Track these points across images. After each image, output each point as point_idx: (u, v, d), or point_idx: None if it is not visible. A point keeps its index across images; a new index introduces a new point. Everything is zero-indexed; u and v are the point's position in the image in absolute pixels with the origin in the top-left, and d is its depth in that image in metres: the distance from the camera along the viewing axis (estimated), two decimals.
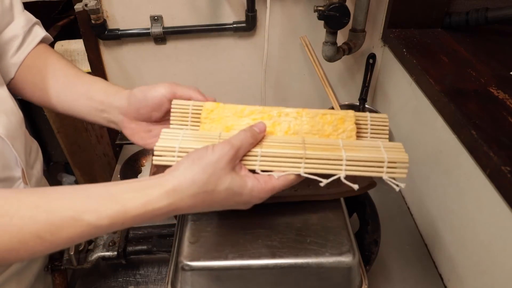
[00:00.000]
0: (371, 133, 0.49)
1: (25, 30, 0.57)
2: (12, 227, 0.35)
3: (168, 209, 0.39)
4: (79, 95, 0.56)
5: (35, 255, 0.37)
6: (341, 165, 0.43)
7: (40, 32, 0.61)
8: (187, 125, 0.50)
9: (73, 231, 0.37)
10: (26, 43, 0.58)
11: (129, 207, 0.38)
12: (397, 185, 0.42)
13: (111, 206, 0.38)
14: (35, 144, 0.63)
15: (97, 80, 0.58)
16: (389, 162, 0.43)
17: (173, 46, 0.91)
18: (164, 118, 0.54)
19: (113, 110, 0.54)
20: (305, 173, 0.43)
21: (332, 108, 0.87)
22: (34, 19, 0.61)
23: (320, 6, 0.77)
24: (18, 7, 0.58)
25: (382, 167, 0.42)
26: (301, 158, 0.43)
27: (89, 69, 0.95)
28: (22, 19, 0.58)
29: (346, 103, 0.93)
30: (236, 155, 0.42)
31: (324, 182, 0.42)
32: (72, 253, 0.56)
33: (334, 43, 0.83)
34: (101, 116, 0.56)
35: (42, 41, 0.62)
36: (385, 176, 0.43)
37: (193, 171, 0.40)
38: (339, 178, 0.43)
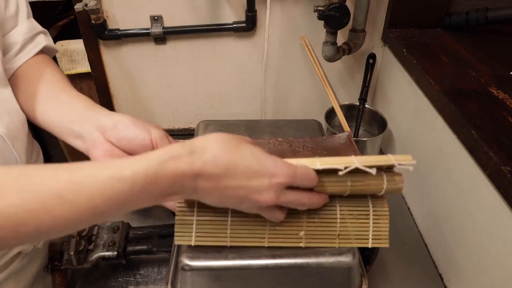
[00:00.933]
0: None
1: (25, 38, 0.57)
2: (32, 186, 0.34)
3: (190, 159, 0.38)
4: (57, 104, 0.54)
5: (55, 220, 0.34)
6: (353, 161, 0.43)
7: (42, 41, 0.60)
8: None
9: (94, 187, 0.35)
10: (25, 50, 0.57)
11: (151, 155, 0.37)
12: (410, 165, 0.44)
13: (132, 160, 0.37)
14: (36, 145, 0.63)
15: (84, 97, 0.55)
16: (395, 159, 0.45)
17: (173, 46, 0.91)
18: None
19: (88, 124, 0.51)
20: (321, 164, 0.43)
21: (332, 108, 0.87)
22: (40, 28, 0.60)
23: (320, 6, 0.77)
24: (23, 14, 0.58)
25: (391, 160, 0.44)
26: (315, 159, 0.44)
27: (89, 69, 0.95)
28: (25, 26, 0.57)
29: (346, 103, 0.93)
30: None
31: (343, 171, 0.42)
32: (72, 253, 0.56)
33: (334, 43, 0.83)
34: (70, 128, 0.52)
35: (45, 51, 0.61)
36: (396, 163, 0.44)
37: (214, 134, 0.41)
38: None
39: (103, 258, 0.59)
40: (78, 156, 0.53)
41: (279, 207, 0.44)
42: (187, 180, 0.38)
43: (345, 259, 0.47)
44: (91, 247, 0.59)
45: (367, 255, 0.59)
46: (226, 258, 0.47)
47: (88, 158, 0.51)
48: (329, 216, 0.48)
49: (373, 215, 0.48)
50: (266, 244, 0.48)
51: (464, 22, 0.82)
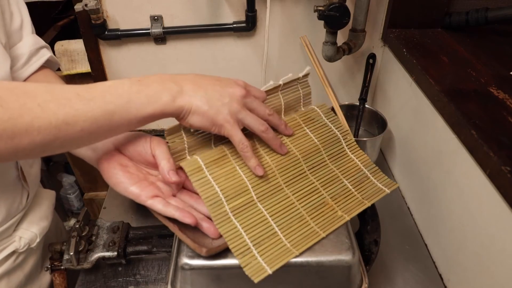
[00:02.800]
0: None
1: (31, 50, 0.59)
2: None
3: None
4: None
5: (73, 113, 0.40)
6: None
7: (46, 53, 0.62)
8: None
9: (106, 85, 0.43)
10: (31, 62, 0.59)
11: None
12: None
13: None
14: None
15: None
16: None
17: (173, 46, 0.91)
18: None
19: None
20: None
21: (333, 108, 0.87)
22: (43, 43, 0.62)
23: (320, 6, 0.77)
24: (28, 29, 0.60)
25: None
26: None
27: (89, 69, 0.95)
28: (30, 39, 0.59)
29: (346, 103, 0.93)
30: None
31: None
32: (72, 253, 0.56)
33: (334, 43, 0.83)
34: None
35: (49, 66, 0.63)
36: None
37: None
38: None
39: (103, 258, 0.59)
40: (79, 158, 0.54)
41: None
42: (170, 82, 0.45)
43: (345, 257, 0.47)
44: (91, 247, 0.59)
45: (367, 255, 0.59)
46: (226, 258, 0.47)
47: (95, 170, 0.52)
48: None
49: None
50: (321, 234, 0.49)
51: (464, 22, 0.82)
